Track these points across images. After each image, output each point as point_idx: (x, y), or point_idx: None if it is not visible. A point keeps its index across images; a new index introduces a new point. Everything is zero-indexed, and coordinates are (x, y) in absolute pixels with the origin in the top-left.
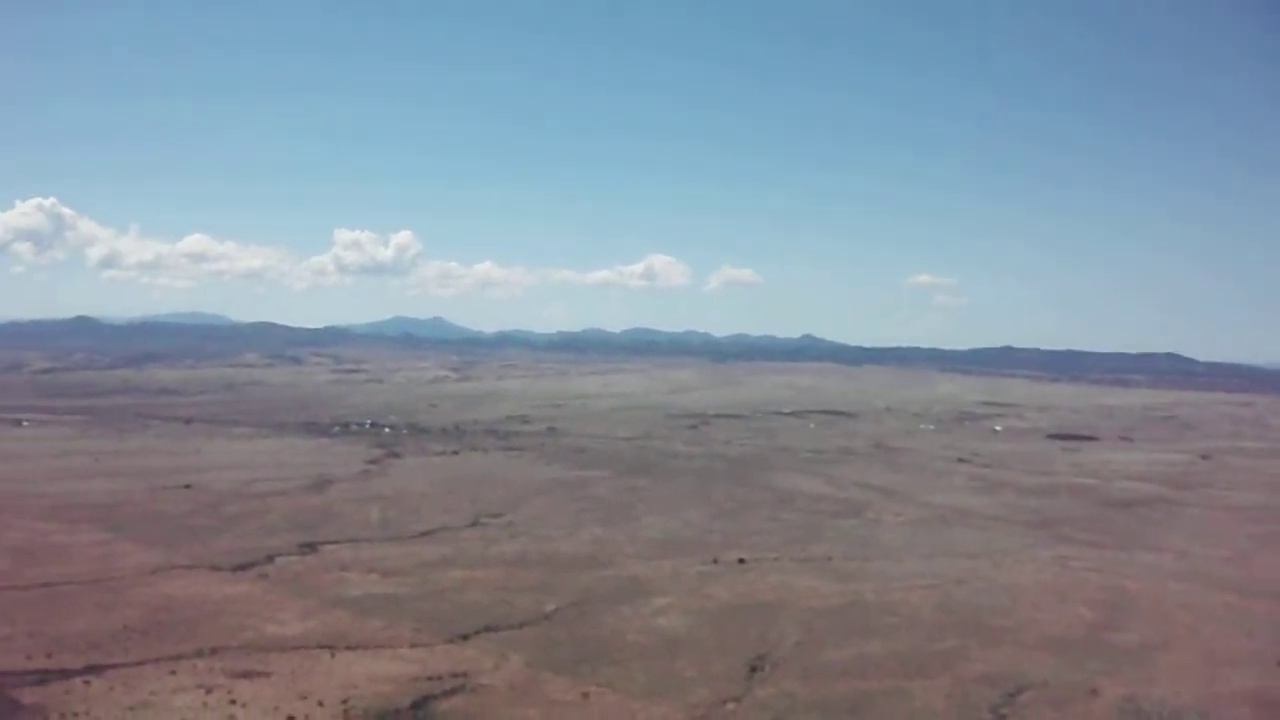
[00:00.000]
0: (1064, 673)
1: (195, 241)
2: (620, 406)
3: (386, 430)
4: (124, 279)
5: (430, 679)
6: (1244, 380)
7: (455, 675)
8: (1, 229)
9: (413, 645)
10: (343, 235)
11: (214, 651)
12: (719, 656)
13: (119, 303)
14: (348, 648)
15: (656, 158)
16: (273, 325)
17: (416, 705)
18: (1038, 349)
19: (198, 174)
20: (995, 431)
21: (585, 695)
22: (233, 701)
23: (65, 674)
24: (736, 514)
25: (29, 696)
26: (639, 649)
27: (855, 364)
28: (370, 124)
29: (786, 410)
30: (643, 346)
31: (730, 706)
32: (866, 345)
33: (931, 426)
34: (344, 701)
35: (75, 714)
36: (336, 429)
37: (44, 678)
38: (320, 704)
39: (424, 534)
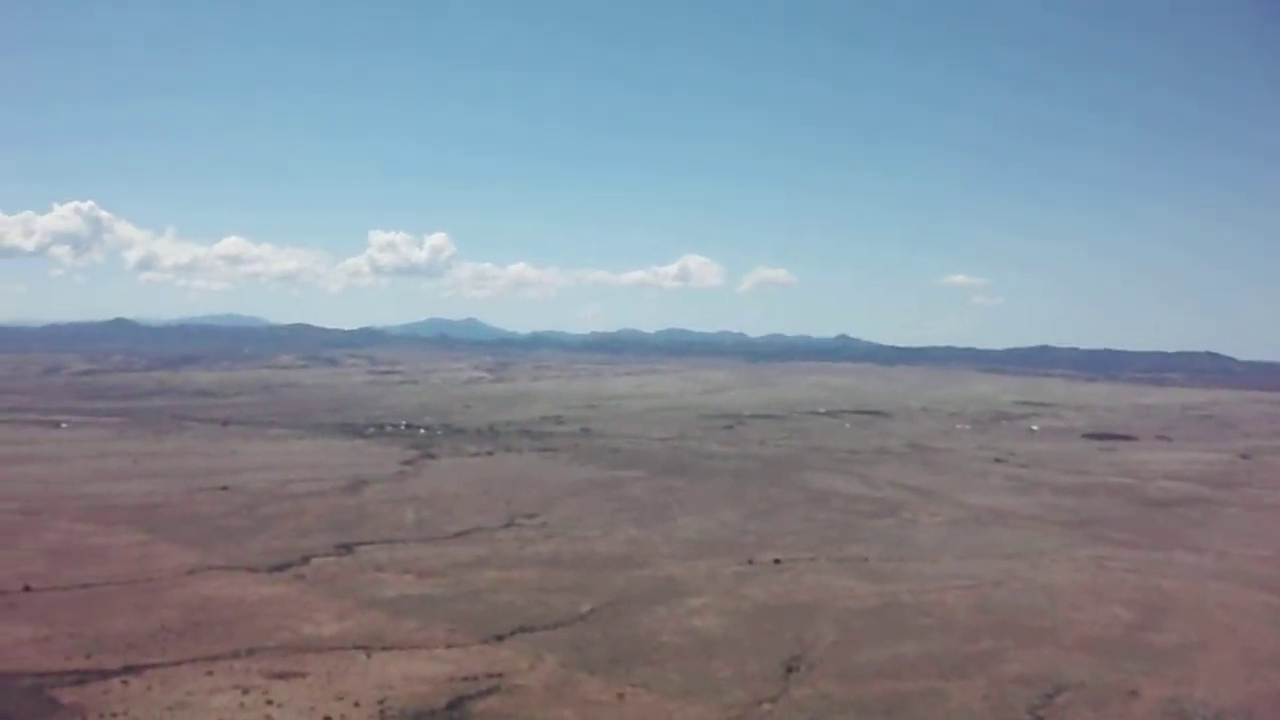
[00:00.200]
0: (1102, 673)
1: (231, 244)
2: (655, 407)
3: (421, 431)
4: (161, 281)
5: (465, 679)
6: None
7: (490, 676)
8: (40, 232)
9: (448, 646)
10: (377, 237)
11: (250, 652)
12: (755, 657)
13: (156, 305)
14: (383, 648)
15: (690, 158)
16: (308, 327)
17: (452, 706)
18: (1074, 348)
19: (233, 177)
20: (1031, 431)
21: (620, 696)
22: (269, 702)
23: (104, 674)
24: (772, 514)
25: (68, 697)
26: (674, 649)
27: (890, 364)
28: (404, 126)
29: (821, 410)
30: (677, 347)
31: (766, 707)
32: (901, 345)
33: (967, 426)
34: (380, 702)
35: (113, 714)
36: (372, 430)
37: (83, 678)
38: (356, 704)
39: (459, 535)
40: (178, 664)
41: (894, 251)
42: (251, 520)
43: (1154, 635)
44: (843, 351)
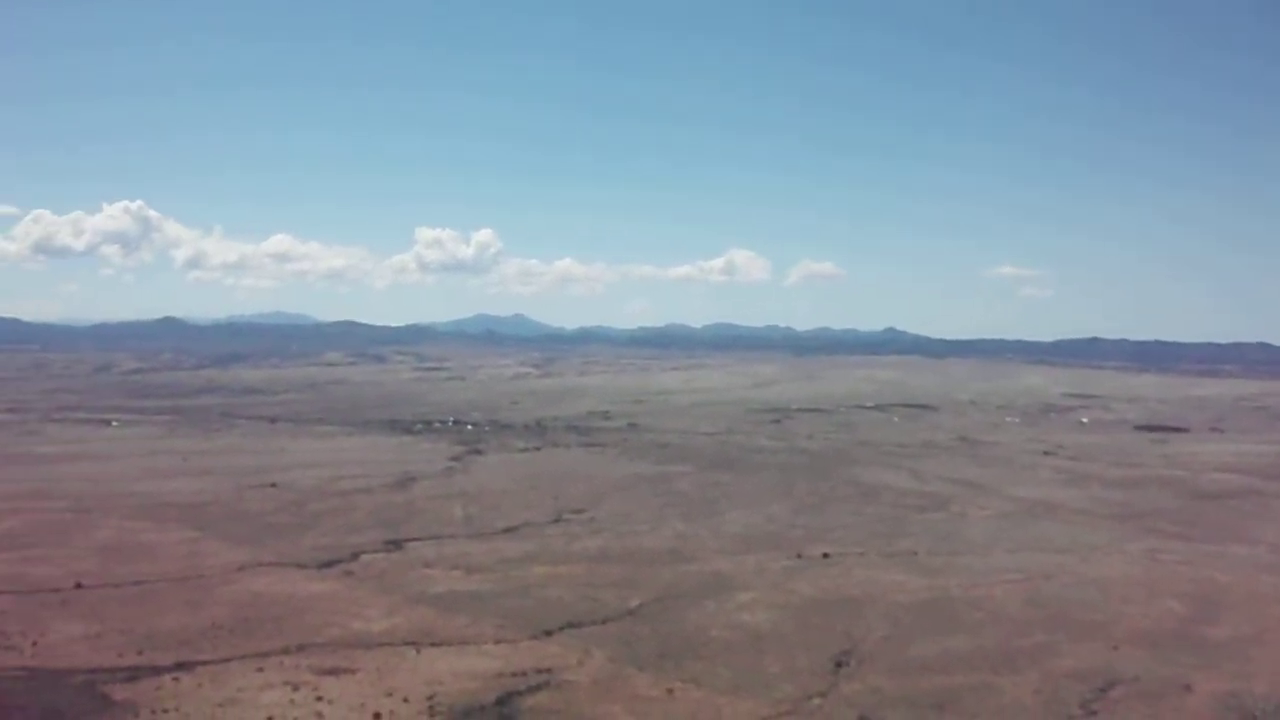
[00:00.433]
0: (1155, 667)
1: (279, 242)
2: (702, 401)
3: (469, 427)
4: (209, 280)
5: (514, 675)
6: None
7: (539, 671)
8: (90, 232)
9: (497, 641)
10: (424, 234)
11: (300, 648)
12: (804, 652)
13: (204, 303)
14: (432, 644)
15: (735, 152)
16: (356, 324)
17: (501, 701)
18: (1124, 340)
19: (281, 175)
20: (1082, 424)
21: (670, 691)
22: (319, 698)
23: (155, 671)
24: (820, 508)
25: (120, 693)
26: (723, 644)
27: (938, 356)
28: (451, 122)
29: (869, 404)
30: (724, 341)
31: (816, 702)
32: (949, 337)
33: (1016, 419)
34: (429, 698)
35: (165, 710)
36: (419, 426)
37: (134, 674)
38: (405, 700)
39: (507, 530)
40: (228, 660)
41: (942, 243)
42: (300, 517)
43: (1208, 629)
44: (890, 344)
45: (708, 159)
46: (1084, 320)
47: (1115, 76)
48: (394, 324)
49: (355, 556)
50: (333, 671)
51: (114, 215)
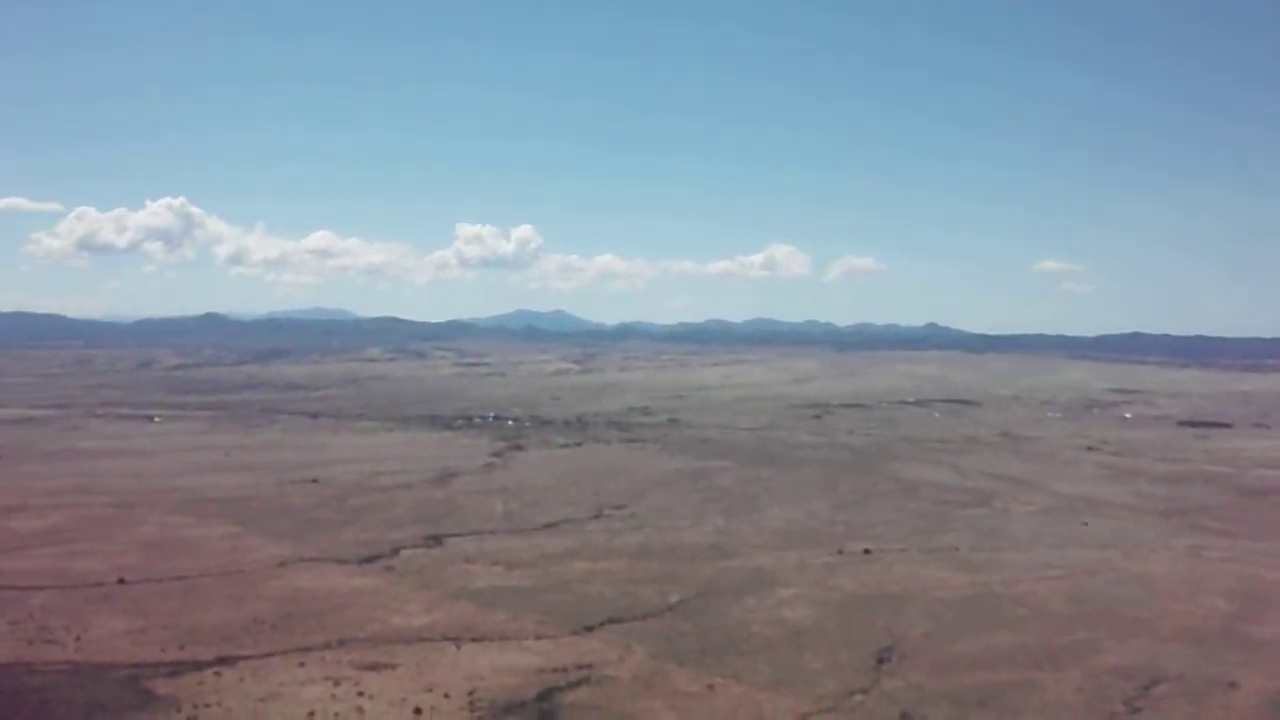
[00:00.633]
0: (1200, 665)
1: (319, 238)
2: (742, 397)
3: (509, 423)
4: (251, 276)
5: (555, 670)
6: None
7: (580, 667)
8: (133, 229)
9: (537, 637)
10: (464, 230)
11: (341, 643)
12: (845, 648)
13: (246, 300)
14: (473, 640)
15: (776, 147)
16: (396, 320)
17: (542, 697)
18: (1167, 334)
19: (321, 171)
20: (1125, 419)
21: (710, 687)
22: (360, 693)
23: (197, 666)
24: (861, 504)
25: (163, 688)
26: (764, 640)
27: (980, 352)
28: (491, 118)
29: (910, 399)
30: (764, 337)
31: (858, 698)
32: (991, 333)
33: (1059, 414)
34: (470, 693)
35: (207, 705)
36: (460, 422)
37: (177, 669)
38: (446, 695)
39: (547, 526)
40: (270, 655)
41: (983, 238)
42: (341, 512)
43: (1254, 626)
44: (931, 340)
45: (748, 154)
46: (1126, 315)
47: (1158, 74)
48: (434, 320)
49: (396, 552)
50: (373, 667)
51: (157, 212)
